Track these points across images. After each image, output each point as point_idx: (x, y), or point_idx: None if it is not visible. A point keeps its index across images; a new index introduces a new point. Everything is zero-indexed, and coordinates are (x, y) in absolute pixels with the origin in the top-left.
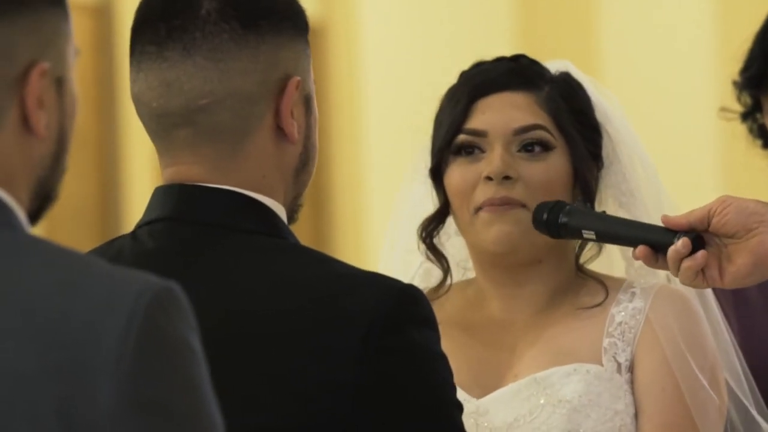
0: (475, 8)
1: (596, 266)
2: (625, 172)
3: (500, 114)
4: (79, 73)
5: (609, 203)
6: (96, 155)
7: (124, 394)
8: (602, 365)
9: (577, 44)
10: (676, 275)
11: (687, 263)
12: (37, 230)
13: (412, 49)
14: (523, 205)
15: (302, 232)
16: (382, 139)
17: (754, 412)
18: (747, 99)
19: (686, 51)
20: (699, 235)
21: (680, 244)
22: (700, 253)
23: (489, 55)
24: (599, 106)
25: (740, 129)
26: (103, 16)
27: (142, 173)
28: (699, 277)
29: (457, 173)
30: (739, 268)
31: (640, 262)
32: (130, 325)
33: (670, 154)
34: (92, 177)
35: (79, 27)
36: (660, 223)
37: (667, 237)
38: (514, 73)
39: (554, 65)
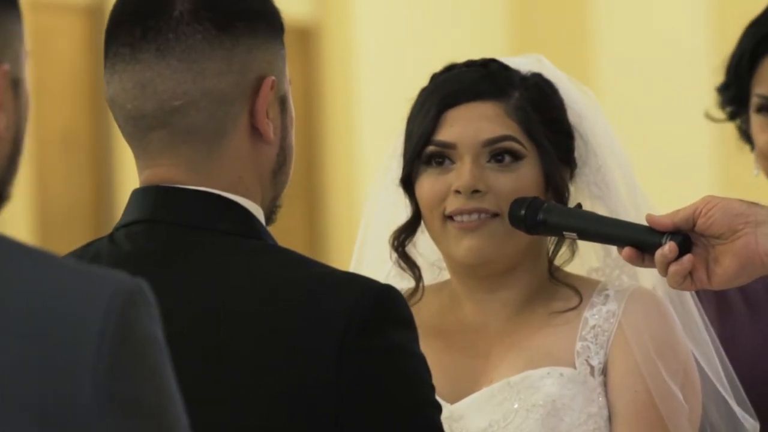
0: (470, 10)
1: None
2: (600, 165)
3: (469, 125)
4: (72, 73)
5: (584, 200)
6: (89, 156)
7: (101, 391)
8: (575, 368)
9: (572, 46)
10: (664, 276)
11: (674, 267)
12: (32, 231)
13: (407, 51)
14: (496, 214)
15: (297, 233)
16: (376, 140)
17: (734, 404)
18: (731, 108)
19: (681, 52)
20: (686, 236)
21: (667, 248)
22: (687, 258)
23: (484, 58)
24: (572, 105)
25: (734, 130)
26: (96, 17)
27: (135, 174)
28: (687, 280)
29: (426, 184)
30: (725, 269)
31: (615, 254)
32: (107, 323)
33: (664, 155)
34: (85, 178)
35: (72, 27)
36: (644, 221)
37: (654, 237)
38: (484, 81)
39: (526, 61)
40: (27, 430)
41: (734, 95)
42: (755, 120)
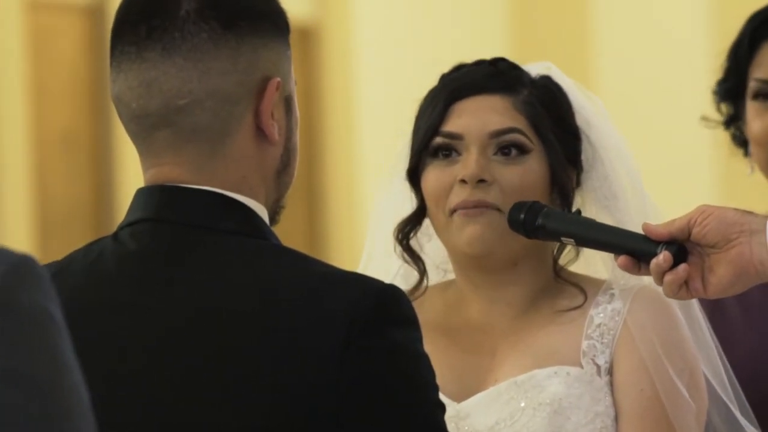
0: (470, 10)
1: (579, 261)
2: (608, 174)
3: (476, 117)
4: (72, 73)
5: (591, 207)
6: (89, 156)
7: None
8: (582, 367)
9: (572, 46)
10: (660, 285)
11: (669, 277)
12: (32, 231)
13: (406, 51)
14: (498, 209)
15: (297, 233)
16: (376, 140)
17: (737, 412)
18: (727, 108)
19: (681, 53)
20: (682, 246)
21: (662, 258)
22: (682, 267)
23: (485, 57)
24: (581, 111)
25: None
26: (96, 17)
27: (135, 174)
28: (683, 289)
29: (432, 175)
30: (720, 279)
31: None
32: None
33: (664, 155)
34: (86, 178)
35: (72, 27)
36: (641, 230)
37: (650, 247)
38: (493, 77)
39: (536, 68)
40: None
41: (731, 86)
42: (751, 107)
